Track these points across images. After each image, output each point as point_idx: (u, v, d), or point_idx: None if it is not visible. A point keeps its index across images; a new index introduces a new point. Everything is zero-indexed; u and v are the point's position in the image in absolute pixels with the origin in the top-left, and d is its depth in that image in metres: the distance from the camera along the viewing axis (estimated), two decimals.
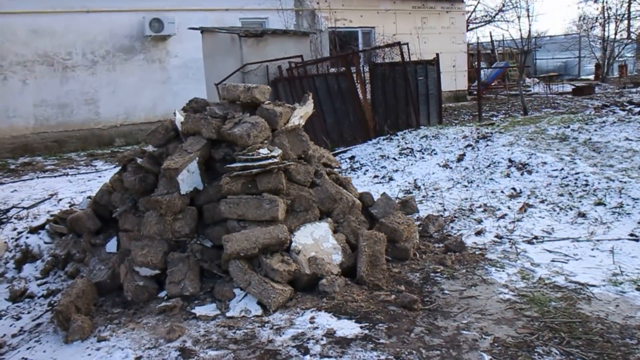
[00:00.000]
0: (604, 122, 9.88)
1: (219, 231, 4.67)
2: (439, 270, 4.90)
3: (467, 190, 7.73)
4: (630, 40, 24.88)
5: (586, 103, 16.84)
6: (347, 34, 16.57)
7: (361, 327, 3.74)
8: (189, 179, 4.69)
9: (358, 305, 4.13)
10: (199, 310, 4.27)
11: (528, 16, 20.65)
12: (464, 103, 19.10)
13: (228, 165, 4.52)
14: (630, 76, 24.60)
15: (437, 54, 11.82)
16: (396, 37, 16.80)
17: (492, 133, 10.19)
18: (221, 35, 10.43)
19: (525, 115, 14.39)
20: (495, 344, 3.48)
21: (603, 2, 24.99)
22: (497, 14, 24.04)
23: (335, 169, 5.69)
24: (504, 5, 23.76)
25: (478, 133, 10.44)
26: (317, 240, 4.64)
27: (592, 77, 26.14)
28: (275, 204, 4.39)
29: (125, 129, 13.09)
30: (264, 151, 4.54)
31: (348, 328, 3.74)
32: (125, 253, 5.07)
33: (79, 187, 8.75)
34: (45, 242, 5.95)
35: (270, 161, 4.42)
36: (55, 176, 9.69)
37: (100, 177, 9.46)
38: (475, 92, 21.71)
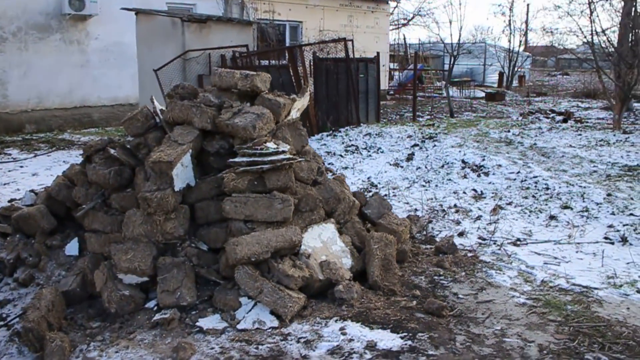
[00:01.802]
0: (540, 128, 10.40)
1: (217, 233, 4.18)
2: (440, 273, 4.75)
3: (426, 190, 7.73)
4: (529, 54, 26.68)
5: (501, 109, 17.79)
6: (273, 27, 16.15)
7: (402, 338, 3.48)
8: (182, 174, 4.15)
9: (383, 313, 3.85)
10: (203, 323, 3.77)
11: (458, 21, 21.05)
12: (385, 102, 19.40)
13: (232, 160, 4.05)
14: (530, 86, 26.48)
15: (378, 53, 11.83)
16: (323, 34, 16.68)
17: (436, 134, 10.34)
18: (160, 19, 9.63)
19: (452, 117, 14.88)
20: (544, 352, 3.37)
21: (509, 16, 26.66)
22: (412, 18, 24.78)
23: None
24: (419, 11, 24.51)
25: (422, 133, 10.56)
26: (325, 243, 4.30)
27: (495, 84, 27.76)
28: (289, 203, 4.00)
29: (37, 115, 11.70)
30: (272, 145, 4.12)
31: (388, 339, 3.46)
32: (97, 257, 4.41)
33: None
34: None
35: (281, 157, 4.02)
36: None
37: (22, 167, 8.34)
38: (392, 92, 22.19)
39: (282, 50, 10.92)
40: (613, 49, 10.93)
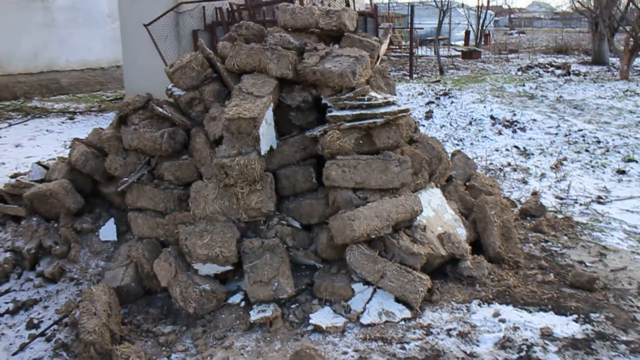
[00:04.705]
0: (555, 81, 9.93)
1: (311, 206, 3.39)
2: (543, 239, 4.16)
3: (462, 148, 7.11)
4: (495, 13, 26.29)
5: (482, 66, 17.33)
6: None
7: (575, 322, 2.84)
8: (268, 133, 3.31)
9: (527, 291, 3.21)
10: (316, 319, 3.01)
11: None
12: None
13: (334, 114, 3.23)
14: (494, 44, 26.20)
15: (375, 5, 10.98)
16: None
17: (449, 90, 9.71)
18: None
19: (442, 74, 14.27)
20: None
21: None
22: None
23: None
24: None
25: (432, 90, 9.91)
26: (436, 212, 3.59)
27: (461, 43, 27.38)
28: (407, 165, 3.25)
29: None
30: (378, 96, 3.33)
31: (560, 324, 2.82)
32: (153, 243, 3.54)
33: None
34: None
35: (393, 108, 3.24)
36: None
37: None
38: None
39: (275, 3, 9.89)
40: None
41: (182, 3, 8.27)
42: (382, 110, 3.20)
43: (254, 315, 3.03)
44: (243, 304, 3.22)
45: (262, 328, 3.01)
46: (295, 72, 3.46)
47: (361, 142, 3.28)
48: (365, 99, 3.23)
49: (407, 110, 3.28)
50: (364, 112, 3.20)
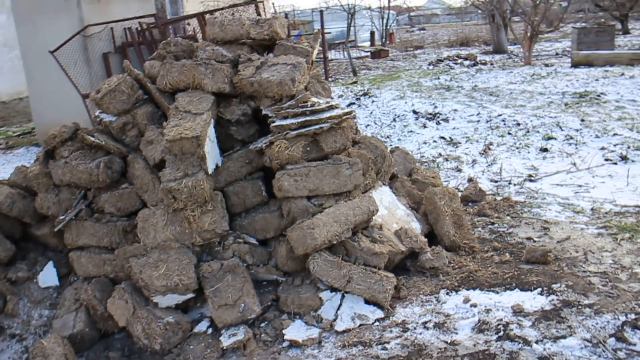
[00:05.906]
0: (467, 72, 10.37)
1: (266, 220, 3.30)
2: (489, 221, 4.31)
3: (390, 145, 7.26)
4: (396, 12, 27.24)
5: (392, 64, 17.83)
6: None
7: (540, 294, 2.95)
8: (212, 150, 3.20)
9: (490, 272, 3.29)
10: (290, 334, 2.93)
11: None
12: None
13: (279, 124, 3.17)
14: (400, 42, 27.13)
15: (286, 13, 11.00)
16: (204, 4, 15.35)
17: (367, 90, 9.89)
18: None
19: (355, 75, 14.52)
20: None
21: None
22: None
23: None
24: None
25: (352, 91, 10.06)
26: (389, 209, 3.62)
27: (367, 43, 28.08)
28: (358, 167, 3.24)
29: None
30: (321, 100, 3.31)
31: (528, 299, 2.93)
32: (102, 282, 3.32)
33: None
34: None
35: (338, 112, 3.23)
36: None
37: None
38: None
39: (200, 15, 9.64)
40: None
41: (89, 26, 7.88)
42: (327, 114, 3.18)
43: (226, 341, 2.90)
44: (210, 330, 3.08)
45: (236, 353, 2.89)
46: (231, 86, 3.37)
47: (309, 149, 3.24)
48: (309, 105, 3.20)
49: (351, 113, 3.29)
50: (308, 118, 3.16)
